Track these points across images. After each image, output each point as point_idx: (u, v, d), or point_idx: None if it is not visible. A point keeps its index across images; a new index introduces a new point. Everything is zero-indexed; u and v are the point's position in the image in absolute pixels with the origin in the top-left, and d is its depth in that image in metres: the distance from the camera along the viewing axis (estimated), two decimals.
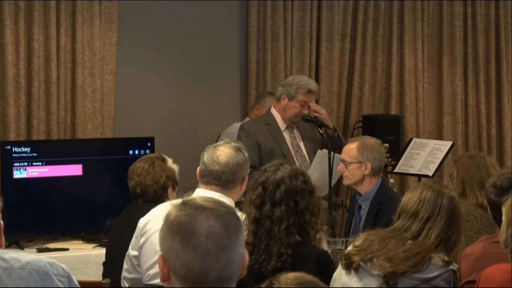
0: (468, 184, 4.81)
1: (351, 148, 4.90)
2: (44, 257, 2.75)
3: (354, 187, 5.01)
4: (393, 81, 7.31)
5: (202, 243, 2.11)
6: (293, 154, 5.98)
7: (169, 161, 4.55)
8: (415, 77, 7.40)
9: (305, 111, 5.97)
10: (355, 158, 4.86)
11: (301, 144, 6.09)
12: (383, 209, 4.69)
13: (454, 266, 3.47)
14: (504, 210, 3.16)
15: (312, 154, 6.03)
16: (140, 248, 3.95)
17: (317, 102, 7.07)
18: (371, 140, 4.97)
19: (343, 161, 4.91)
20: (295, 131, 6.09)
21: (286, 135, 6.05)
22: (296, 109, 5.98)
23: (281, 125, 6.04)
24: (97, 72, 6.32)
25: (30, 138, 6.09)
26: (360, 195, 4.93)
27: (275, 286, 2.08)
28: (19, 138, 6.05)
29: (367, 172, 4.82)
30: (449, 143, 6.46)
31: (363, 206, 4.89)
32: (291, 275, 2.11)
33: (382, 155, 4.93)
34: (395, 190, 5.81)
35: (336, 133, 6.13)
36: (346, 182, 4.99)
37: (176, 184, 4.53)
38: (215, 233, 2.12)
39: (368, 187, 4.86)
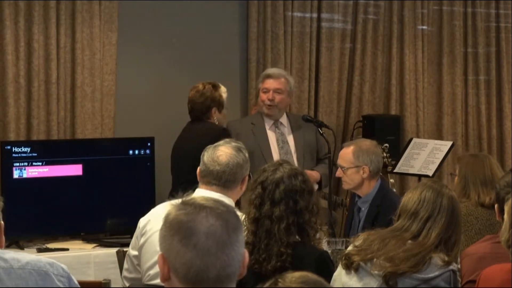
0: (471, 181, 4.79)
1: (347, 153, 4.86)
2: (44, 257, 2.75)
3: (353, 191, 4.98)
4: (393, 81, 7.31)
5: (202, 242, 2.11)
6: (275, 152, 6.03)
7: (221, 88, 5.87)
8: (415, 77, 7.39)
9: (269, 97, 6.04)
10: (351, 163, 4.81)
11: (290, 140, 6.15)
12: (382, 212, 4.65)
13: (454, 266, 3.47)
14: (506, 209, 3.15)
15: (303, 148, 6.10)
16: (140, 248, 3.95)
17: (316, 102, 7.11)
18: (366, 143, 4.93)
19: (340, 166, 4.87)
20: (283, 127, 6.16)
21: (271, 133, 6.14)
22: (262, 99, 6.13)
23: (267, 122, 6.15)
24: (97, 72, 6.32)
25: (30, 138, 6.09)
26: (359, 197, 4.91)
27: (280, 284, 2.08)
28: (19, 138, 6.05)
29: (365, 175, 4.80)
30: (449, 143, 6.46)
31: (362, 209, 4.87)
32: (297, 274, 2.11)
33: (379, 156, 4.89)
34: (394, 190, 5.82)
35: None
36: (345, 186, 4.96)
37: (222, 107, 5.84)
38: (215, 231, 2.12)
39: (367, 190, 4.84)
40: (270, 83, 6.11)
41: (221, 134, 5.50)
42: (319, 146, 6.22)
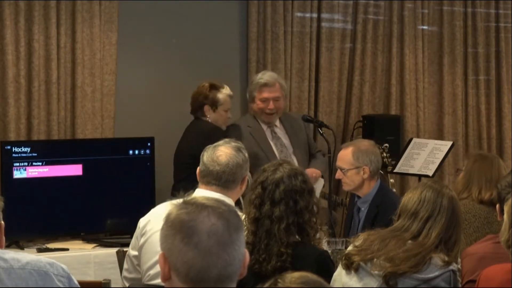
0: (476, 178, 4.80)
1: (346, 154, 4.85)
2: (44, 257, 2.75)
3: (353, 191, 4.98)
4: (393, 81, 7.31)
5: (203, 241, 2.11)
6: (277, 155, 6.05)
7: (223, 89, 5.94)
8: (416, 77, 7.39)
9: (270, 106, 6.07)
10: (351, 164, 4.81)
11: (286, 142, 6.20)
12: (382, 212, 4.66)
13: (454, 266, 3.47)
14: (506, 209, 3.15)
15: (299, 149, 6.13)
16: (140, 249, 3.95)
17: (316, 102, 7.11)
18: (364, 143, 4.94)
19: (340, 168, 4.86)
20: (278, 130, 6.19)
21: (268, 135, 6.14)
22: (259, 108, 6.15)
23: (263, 125, 6.21)
24: (97, 72, 6.32)
25: (31, 138, 6.09)
26: (359, 197, 4.91)
27: (279, 285, 2.08)
28: (19, 138, 6.05)
29: (365, 176, 4.80)
30: (449, 143, 6.46)
31: (362, 209, 4.87)
32: (296, 274, 2.11)
33: (378, 156, 4.89)
34: (394, 190, 5.82)
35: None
36: (346, 188, 4.96)
37: (215, 106, 5.89)
38: (216, 231, 2.13)
39: (367, 190, 4.84)
40: (268, 93, 6.14)
41: (211, 132, 5.56)
42: (309, 140, 6.32)
